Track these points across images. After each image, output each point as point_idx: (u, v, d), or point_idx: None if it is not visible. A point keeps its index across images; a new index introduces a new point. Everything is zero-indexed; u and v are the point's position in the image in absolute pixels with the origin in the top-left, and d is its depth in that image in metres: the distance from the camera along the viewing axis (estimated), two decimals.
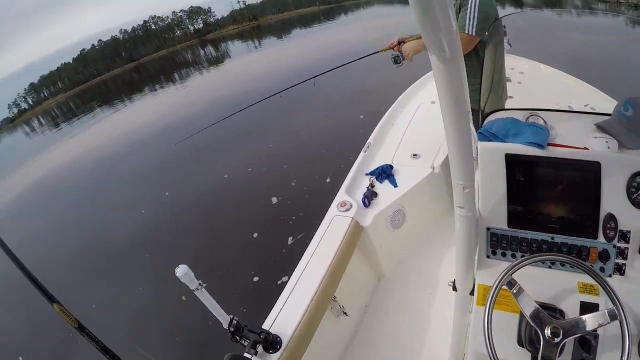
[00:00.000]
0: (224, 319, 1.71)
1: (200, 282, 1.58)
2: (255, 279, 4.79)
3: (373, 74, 8.70)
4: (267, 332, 1.72)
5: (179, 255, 5.73)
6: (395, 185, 2.56)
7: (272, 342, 1.71)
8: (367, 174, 2.71)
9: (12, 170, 16.24)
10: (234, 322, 1.68)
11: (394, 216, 2.49)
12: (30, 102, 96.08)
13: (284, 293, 1.96)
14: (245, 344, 1.68)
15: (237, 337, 1.70)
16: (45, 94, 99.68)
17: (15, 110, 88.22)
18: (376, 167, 2.74)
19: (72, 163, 13.80)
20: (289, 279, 2.04)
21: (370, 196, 2.45)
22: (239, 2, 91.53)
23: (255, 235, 5.60)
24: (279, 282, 4.50)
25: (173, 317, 4.60)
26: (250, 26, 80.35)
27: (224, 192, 7.30)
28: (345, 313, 2.27)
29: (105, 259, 6.39)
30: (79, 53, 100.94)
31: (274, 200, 6.26)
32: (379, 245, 2.47)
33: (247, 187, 7.15)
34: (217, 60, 39.04)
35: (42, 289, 1.02)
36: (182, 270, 1.53)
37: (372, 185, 2.57)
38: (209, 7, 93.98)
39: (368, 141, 3.11)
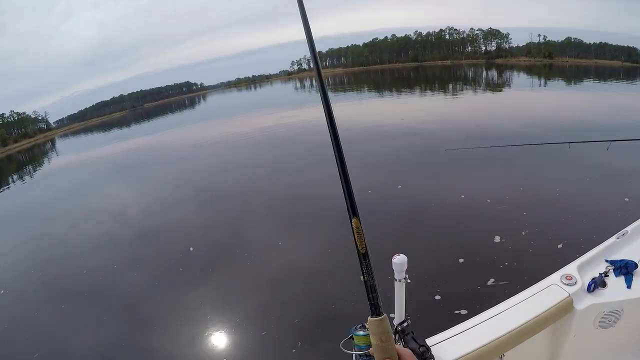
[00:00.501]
0: (399, 316, 1.90)
1: (407, 276, 1.80)
2: (437, 297, 5.01)
3: None
4: (427, 349, 1.69)
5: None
6: (629, 287, 2.27)
7: (424, 359, 1.69)
8: (607, 261, 2.46)
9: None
10: (406, 323, 1.79)
11: (607, 315, 2.25)
12: (311, 66, 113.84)
13: (464, 324, 1.96)
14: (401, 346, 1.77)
15: (397, 337, 1.76)
16: (327, 63, 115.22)
17: (295, 67, 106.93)
18: (621, 259, 2.47)
19: None
20: (467, 314, 2.09)
21: (598, 283, 2.24)
22: (539, 36, 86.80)
23: (461, 260, 5.78)
24: (455, 312, 4.61)
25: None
26: (542, 63, 75.81)
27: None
28: None
29: None
30: (371, 40, 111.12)
31: (497, 239, 6.28)
32: (574, 334, 2.29)
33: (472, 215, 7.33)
34: (495, 86, 38.19)
35: (349, 200, 1.02)
36: (400, 259, 1.79)
37: (606, 274, 2.31)
38: (508, 33, 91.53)
39: (626, 229, 2.78)
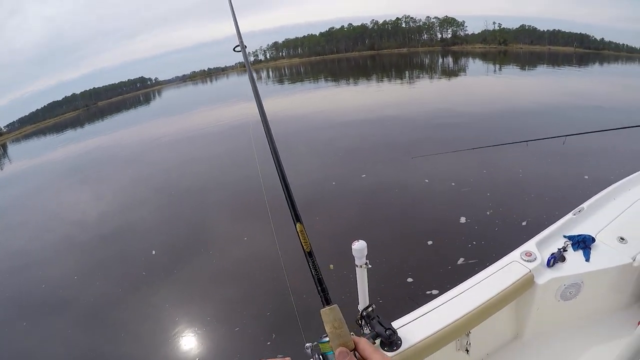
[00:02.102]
0: (364, 301, 1.90)
1: (368, 262, 1.81)
2: (409, 280, 5.10)
3: None
4: (394, 331, 1.73)
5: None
6: (587, 260, 2.41)
7: (392, 342, 1.74)
8: (565, 236, 2.59)
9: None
10: (370, 308, 1.80)
11: (568, 288, 2.37)
12: (268, 56, 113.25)
13: (429, 305, 2.02)
14: (367, 331, 1.74)
15: (363, 322, 1.78)
16: (283, 54, 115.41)
17: (251, 58, 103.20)
18: (578, 234, 2.58)
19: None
20: (439, 294, 2.12)
21: (557, 258, 2.37)
22: (494, 23, 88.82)
23: (430, 242, 5.88)
24: (427, 292, 4.74)
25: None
26: (496, 50, 77.70)
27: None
28: (467, 351, 2.25)
29: None
30: (327, 29, 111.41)
31: (463, 219, 6.40)
32: (537, 307, 2.39)
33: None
34: (451, 73, 38.87)
35: (294, 207, 1.18)
36: (360, 245, 1.78)
37: (564, 249, 2.45)
38: (463, 21, 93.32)
39: (582, 205, 2.93)
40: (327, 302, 1.02)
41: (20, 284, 7.45)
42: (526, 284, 2.21)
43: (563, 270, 2.33)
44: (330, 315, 0.97)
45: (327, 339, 0.96)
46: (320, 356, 0.96)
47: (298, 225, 1.13)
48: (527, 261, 2.30)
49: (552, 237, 2.60)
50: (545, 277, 2.28)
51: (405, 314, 1.96)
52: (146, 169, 14.53)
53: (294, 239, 1.12)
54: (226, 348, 4.70)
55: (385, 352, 1.70)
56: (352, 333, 0.95)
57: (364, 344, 0.91)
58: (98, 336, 5.43)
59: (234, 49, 2.12)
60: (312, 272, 1.07)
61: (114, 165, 16.82)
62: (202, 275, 6.33)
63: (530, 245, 2.46)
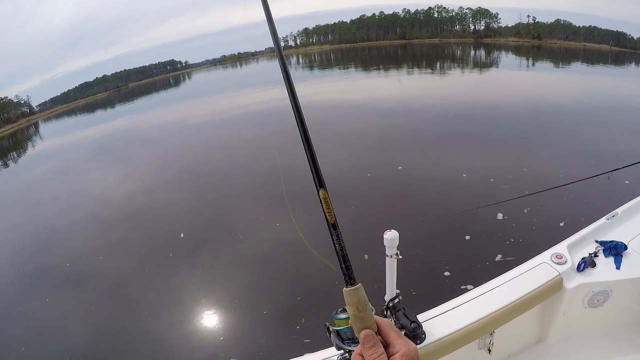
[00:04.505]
0: (390, 292, 1.88)
1: (398, 252, 1.77)
2: (447, 273, 5.12)
3: None
4: (419, 325, 1.72)
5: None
6: (618, 268, 2.32)
7: (415, 335, 1.72)
8: (596, 241, 2.49)
9: None
10: (397, 299, 1.79)
11: (596, 295, 2.29)
12: (298, 42, 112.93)
13: (456, 300, 2.00)
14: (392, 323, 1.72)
15: (388, 313, 1.78)
16: (313, 40, 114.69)
17: (282, 44, 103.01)
18: (610, 240, 2.48)
19: None
20: (473, 288, 2.10)
21: (588, 263, 2.29)
22: (529, 16, 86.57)
23: (467, 237, 5.86)
24: (462, 287, 4.75)
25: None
26: (530, 44, 75.77)
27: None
28: (489, 350, 2.21)
29: None
30: (358, 17, 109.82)
31: (500, 216, 6.35)
32: (563, 312, 2.32)
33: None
34: (482, 65, 38.06)
35: (317, 172, 0.99)
36: (391, 235, 1.75)
37: (595, 254, 2.37)
38: (497, 13, 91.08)
39: (616, 210, 2.81)
40: (351, 281, 0.91)
41: (46, 259, 7.72)
42: (554, 287, 2.17)
43: (593, 276, 2.27)
44: (354, 297, 0.88)
45: (344, 315, 0.91)
46: (336, 334, 0.92)
47: (321, 191, 0.97)
48: (557, 264, 2.25)
49: (584, 241, 2.52)
50: (575, 281, 2.23)
51: (433, 307, 1.95)
52: (174, 151, 14.79)
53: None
54: (255, 330, 4.79)
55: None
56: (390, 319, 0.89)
57: (387, 327, 0.86)
58: (132, 316, 5.51)
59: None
60: (335, 246, 0.94)
61: (143, 146, 17.11)
62: (231, 258, 6.47)
63: (561, 247, 2.39)
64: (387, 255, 1.79)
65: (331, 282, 5.02)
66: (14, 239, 9.35)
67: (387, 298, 1.85)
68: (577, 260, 2.31)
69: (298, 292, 5.21)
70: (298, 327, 4.59)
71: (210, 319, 5.07)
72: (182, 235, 7.36)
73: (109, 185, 11.96)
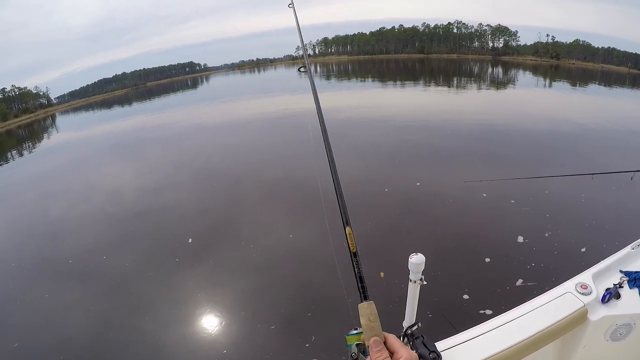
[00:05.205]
0: (410, 319, 1.83)
1: (423, 277, 1.72)
2: (465, 297, 4.97)
3: None
4: (438, 355, 1.64)
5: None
6: None
7: None
8: (621, 271, 2.39)
9: None
10: (416, 327, 1.70)
11: (619, 328, 2.19)
12: (317, 51, 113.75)
13: (476, 329, 1.90)
14: None
15: (406, 340, 1.68)
16: (332, 50, 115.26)
17: (300, 52, 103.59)
18: (636, 270, 2.40)
19: None
20: (492, 314, 2.07)
21: (613, 295, 2.18)
22: (547, 35, 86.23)
23: (487, 260, 5.72)
24: (481, 312, 4.63)
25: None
26: (548, 63, 75.44)
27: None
28: None
29: None
30: (378, 29, 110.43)
31: (520, 239, 6.22)
32: (584, 345, 2.20)
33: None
34: (499, 83, 37.82)
35: (343, 211, 1.31)
36: (418, 259, 1.69)
37: (620, 285, 2.26)
38: (516, 31, 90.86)
39: None
40: (365, 298, 1.11)
41: (51, 253, 7.74)
42: (579, 319, 2.05)
43: (617, 309, 2.15)
44: (367, 310, 1.06)
45: (354, 331, 1.07)
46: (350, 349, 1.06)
47: (347, 228, 1.25)
48: (582, 294, 2.14)
49: (608, 271, 2.41)
50: (599, 313, 2.11)
51: (454, 332, 1.86)
52: (187, 153, 14.87)
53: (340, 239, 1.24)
54: (261, 345, 4.69)
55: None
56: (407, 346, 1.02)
57: (392, 339, 1.03)
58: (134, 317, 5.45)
59: (298, 70, 2.56)
60: (354, 270, 1.17)
61: (157, 145, 17.20)
62: (239, 267, 6.35)
63: (586, 276, 2.29)
64: (411, 280, 1.73)
65: (344, 300, 4.89)
66: (18, 230, 9.44)
67: (405, 324, 1.78)
68: (602, 290, 2.21)
69: (309, 308, 5.09)
70: (307, 345, 4.48)
71: (213, 330, 4.96)
72: (190, 240, 7.30)
73: (120, 182, 12.05)
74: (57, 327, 5.41)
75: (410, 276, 1.71)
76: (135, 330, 5.14)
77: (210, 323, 5.10)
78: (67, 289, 6.35)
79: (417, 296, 1.78)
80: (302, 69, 2.48)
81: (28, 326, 5.50)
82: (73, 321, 5.49)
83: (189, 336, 4.93)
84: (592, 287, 2.18)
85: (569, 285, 2.21)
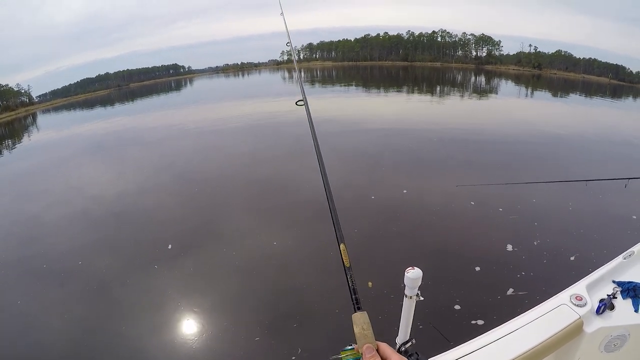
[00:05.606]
0: (404, 335, 1.75)
1: (419, 293, 1.63)
2: (457, 307, 4.87)
3: None
4: None
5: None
6: (637, 311, 2.20)
7: None
8: (614, 282, 2.39)
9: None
10: (410, 343, 1.68)
11: (613, 340, 2.16)
12: (302, 57, 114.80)
13: (473, 344, 1.83)
14: None
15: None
16: (317, 56, 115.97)
17: (285, 57, 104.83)
18: (628, 280, 2.39)
19: None
20: (484, 325, 1.97)
21: (607, 306, 2.17)
22: (530, 46, 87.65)
23: (477, 269, 5.66)
24: (472, 322, 4.52)
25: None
26: (530, 73, 76.69)
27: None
28: None
29: None
30: (363, 36, 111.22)
31: (509, 247, 6.18)
32: (578, 358, 2.17)
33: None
34: (482, 91, 38.24)
35: (337, 228, 1.33)
36: (415, 274, 1.59)
37: (613, 296, 2.25)
38: (499, 41, 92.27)
39: (632, 249, 2.66)
40: (359, 308, 1.13)
41: (25, 256, 7.43)
42: (574, 331, 2.02)
43: (611, 320, 2.13)
44: (360, 319, 1.08)
45: (349, 347, 1.07)
46: None
47: (342, 245, 1.27)
48: (577, 306, 2.10)
49: (602, 281, 2.40)
50: (594, 325, 2.08)
51: (446, 344, 1.83)
52: (169, 155, 14.58)
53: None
54: (244, 358, 4.48)
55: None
56: None
57: (385, 347, 1.04)
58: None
59: (296, 103, 2.34)
60: (348, 283, 1.19)
61: (138, 147, 16.94)
62: (221, 277, 6.17)
63: (580, 288, 2.27)
64: (406, 296, 1.65)
65: (330, 311, 4.85)
66: None
67: (399, 341, 1.73)
68: (597, 301, 2.19)
69: (294, 319, 4.92)
70: (293, 358, 4.32)
71: (193, 343, 4.72)
72: (170, 247, 7.07)
73: (99, 184, 11.71)
74: (31, 333, 5.15)
75: (405, 291, 1.63)
76: (109, 343, 4.89)
77: (189, 334, 4.88)
78: (41, 293, 6.12)
79: (412, 312, 1.70)
80: (299, 103, 2.30)
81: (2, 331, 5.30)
82: (46, 328, 5.26)
83: (167, 348, 4.71)
84: (587, 299, 2.16)
85: (564, 296, 2.18)
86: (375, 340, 1.06)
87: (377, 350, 1.03)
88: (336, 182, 8.89)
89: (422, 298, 1.63)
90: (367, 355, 1.01)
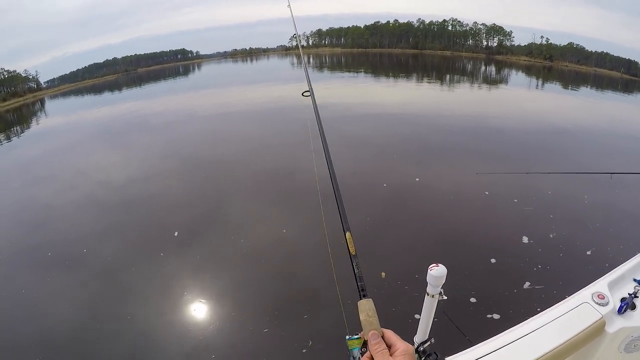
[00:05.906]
0: (423, 334, 1.67)
1: (443, 291, 1.50)
2: (472, 300, 4.79)
3: None
4: None
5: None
6: None
7: None
8: (635, 280, 2.28)
9: None
10: (428, 343, 1.60)
11: (634, 340, 2.07)
12: (310, 42, 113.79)
13: (492, 343, 1.80)
14: None
15: (418, 357, 1.59)
16: (326, 42, 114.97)
17: (294, 42, 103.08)
18: None
19: None
20: (499, 319, 1.91)
21: (629, 305, 2.08)
22: (542, 37, 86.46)
23: (493, 261, 5.57)
24: (488, 316, 4.45)
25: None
26: (541, 64, 75.72)
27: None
28: None
29: None
30: (373, 23, 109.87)
31: (525, 239, 6.09)
32: (597, 358, 2.10)
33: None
34: (492, 81, 37.83)
35: (343, 217, 1.38)
36: (439, 271, 1.47)
37: (635, 295, 2.14)
38: (511, 31, 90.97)
39: None
40: (364, 296, 1.15)
41: (33, 242, 7.41)
42: (597, 331, 1.97)
43: (633, 320, 2.06)
44: (366, 306, 1.10)
45: (356, 336, 1.08)
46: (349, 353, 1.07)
47: (347, 234, 1.30)
48: (599, 304, 2.05)
49: (623, 280, 2.32)
50: (616, 325, 2.03)
51: (462, 339, 1.95)
52: (177, 140, 14.53)
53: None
54: (253, 350, 4.43)
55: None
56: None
57: (390, 333, 1.05)
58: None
59: (302, 94, 2.44)
60: (354, 270, 1.21)
61: (145, 132, 16.95)
62: (230, 267, 6.07)
63: (601, 286, 2.20)
64: (428, 294, 1.53)
65: (342, 303, 4.68)
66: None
67: (417, 340, 1.64)
68: (618, 301, 2.11)
69: (305, 310, 4.83)
70: (304, 351, 4.24)
71: (201, 334, 4.65)
72: (176, 234, 6.99)
73: (107, 170, 11.65)
74: (38, 319, 5.15)
75: (427, 289, 1.51)
76: (116, 334, 4.82)
77: (198, 325, 4.83)
78: (47, 279, 6.08)
79: (434, 311, 1.59)
80: (305, 94, 2.43)
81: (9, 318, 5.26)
82: (53, 314, 5.22)
83: (174, 339, 4.63)
84: (609, 297, 2.10)
85: (586, 294, 2.13)
86: (381, 327, 1.06)
87: (383, 337, 1.04)
88: (345, 169, 8.82)
89: (445, 297, 1.50)
90: (372, 342, 1.03)
